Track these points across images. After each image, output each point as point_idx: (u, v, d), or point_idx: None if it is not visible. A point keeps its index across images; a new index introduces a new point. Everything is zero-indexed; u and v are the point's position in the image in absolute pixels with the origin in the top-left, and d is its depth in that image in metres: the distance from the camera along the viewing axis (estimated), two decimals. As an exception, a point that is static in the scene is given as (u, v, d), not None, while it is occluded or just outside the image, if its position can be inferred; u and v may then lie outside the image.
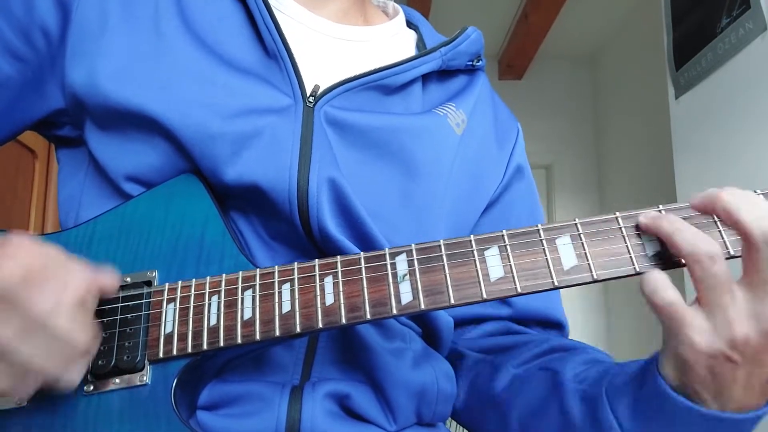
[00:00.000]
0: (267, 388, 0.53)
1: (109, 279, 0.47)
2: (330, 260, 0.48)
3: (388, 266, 0.47)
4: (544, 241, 0.47)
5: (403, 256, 0.47)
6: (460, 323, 0.70)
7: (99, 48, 0.57)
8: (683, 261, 0.44)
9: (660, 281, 0.43)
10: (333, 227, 0.54)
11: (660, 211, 0.47)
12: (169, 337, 0.48)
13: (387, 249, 0.48)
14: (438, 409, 0.61)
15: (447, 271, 0.46)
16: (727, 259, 0.45)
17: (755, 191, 0.46)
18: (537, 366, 0.61)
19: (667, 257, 0.45)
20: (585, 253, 0.46)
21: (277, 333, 0.46)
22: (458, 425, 0.71)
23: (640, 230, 0.47)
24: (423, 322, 0.63)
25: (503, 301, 0.68)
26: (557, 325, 0.70)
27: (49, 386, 0.44)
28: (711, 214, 0.44)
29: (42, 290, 0.42)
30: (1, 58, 0.58)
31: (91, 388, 0.48)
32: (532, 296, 0.62)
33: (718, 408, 0.44)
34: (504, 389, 0.62)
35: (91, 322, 0.45)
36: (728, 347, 0.41)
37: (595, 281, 0.46)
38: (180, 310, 0.49)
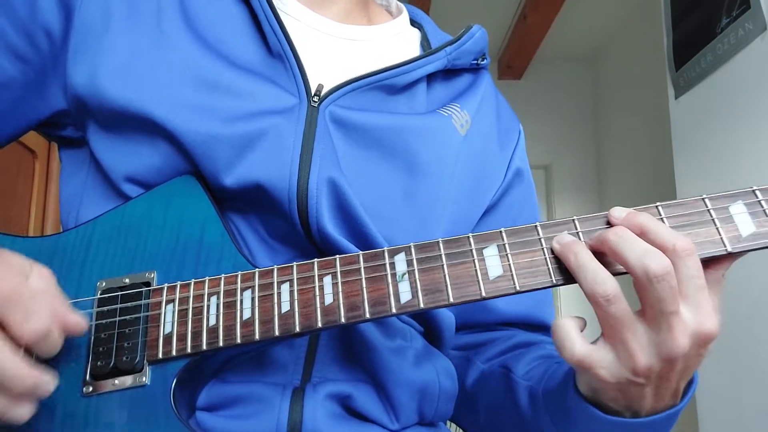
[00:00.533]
0: (267, 389, 0.53)
1: (74, 319, 0.45)
2: (329, 260, 0.48)
3: (387, 265, 0.47)
4: (542, 239, 0.47)
5: (402, 255, 0.47)
6: None
7: (101, 48, 0.57)
8: None
9: (566, 335, 0.44)
10: (332, 227, 0.54)
11: (658, 207, 0.47)
12: (168, 338, 0.48)
13: (386, 248, 0.48)
14: (440, 407, 0.61)
15: (446, 269, 0.46)
16: (725, 256, 0.45)
17: (752, 188, 0.47)
18: (498, 363, 0.64)
19: None
20: None
21: (277, 333, 0.46)
22: (458, 427, 0.71)
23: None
24: (424, 320, 0.63)
25: (486, 309, 0.70)
26: (543, 327, 0.71)
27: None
28: (602, 253, 0.45)
29: (1, 321, 0.41)
30: (3, 58, 0.58)
31: (90, 389, 0.48)
32: (516, 301, 0.65)
33: (631, 415, 0.47)
34: (472, 384, 0.65)
35: (36, 365, 0.43)
36: (632, 376, 0.43)
37: None
38: (179, 310, 0.49)
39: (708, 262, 0.45)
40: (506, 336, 0.68)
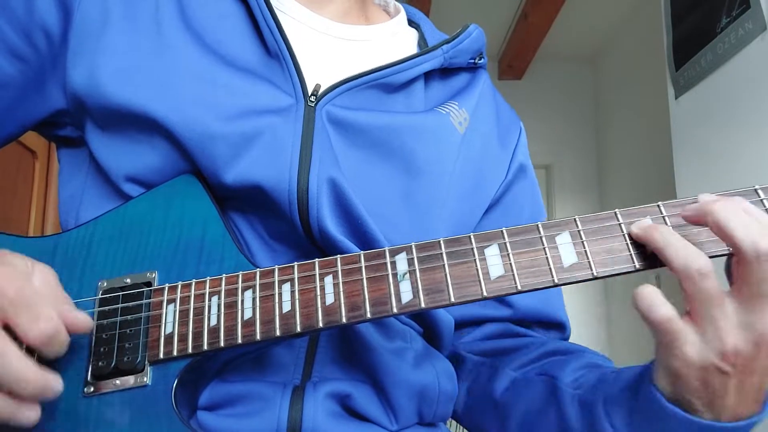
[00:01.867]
0: (268, 388, 0.53)
1: (81, 320, 0.45)
2: (330, 259, 0.48)
3: (388, 265, 0.47)
4: (543, 239, 0.47)
5: (403, 255, 0.47)
6: (460, 325, 0.70)
7: (100, 47, 0.57)
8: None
9: (654, 297, 0.43)
10: (333, 227, 0.54)
11: (659, 206, 0.47)
12: (169, 338, 0.48)
13: (387, 248, 0.48)
14: (439, 408, 0.61)
15: (447, 269, 0.46)
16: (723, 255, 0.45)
17: (754, 187, 0.46)
18: (535, 370, 0.61)
19: None
20: (585, 250, 0.46)
21: (278, 333, 0.46)
22: (458, 426, 0.71)
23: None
24: (424, 321, 0.62)
25: (502, 301, 0.68)
26: (558, 325, 0.70)
27: (4, 423, 0.43)
28: (703, 225, 0.44)
29: (7, 323, 0.42)
30: (2, 58, 0.58)
31: (92, 389, 0.48)
32: (531, 296, 0.63)
33: (712, 417, 0.44)
34: (503, 393, 0.62)
35: (43, 368, 0.43)
36: (719, 359, 0.42)
37: (595, 278, 0.46)
38: (180, 310, 0.49)
39: None
40: (537, 342, 0.66)
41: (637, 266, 0.46)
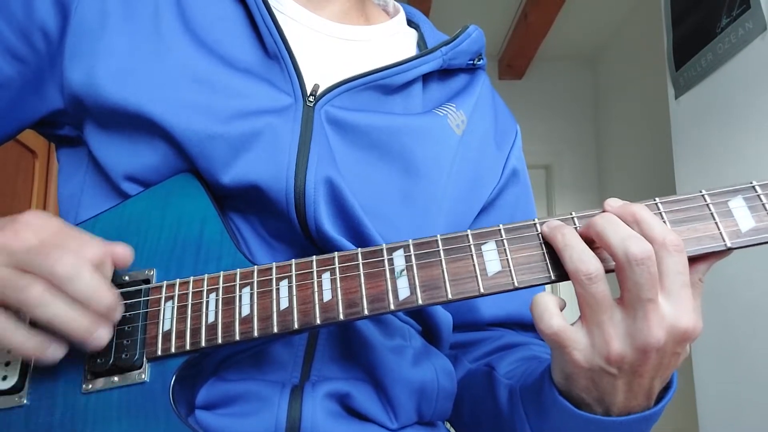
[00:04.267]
0: (266, 387, 0.53)
1: (122, 250, 0.48)
2: (327, 257, 0.48)
3: (386, 262, 0.47)
4: (540, 236, 0.47)
5: (401, 252, 0.47)
6: None
7: (98, 48, 0.57)
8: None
9: (549, 308, 0.44)
10: (330, 226, 0.54)
11: (656, 203, 0.47)
12: (167, 335, 0.48)
13: (384, 245, 0.48)
14: (438, 406, 0.61)
15: (444, 265, 0.46)
16: (723, 251, 0.45)
17: (752, 183, 0.46)
18: (484, 362, 0.64)
19: None
20: None
21: (275, 330, 0.46)
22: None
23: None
24: (422, 318, 0.63)
25: (476, 309, 0.70)
26: (533, 327, 0.71)
27: (80, 347, 0.45)
28: (591, 240, 0.45)
29: (61, 252, 0.43)
30: (0, 58, 0.58)
31: (90, 386, 0.48)
32: (507, 300, 0.66)
33: (603, 411, 0.47)
34: (458, 382, 0.65)
35: (111, 286, 0.45)
36: (605, 363, 0.43)
37: None
38: (178, 307, 0.49)
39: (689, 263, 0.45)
40: (495, 336, 0.68)
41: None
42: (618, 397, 0.46)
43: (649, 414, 0.47)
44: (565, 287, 0.50)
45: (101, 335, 0.44)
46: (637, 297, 0.42)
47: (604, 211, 0.46)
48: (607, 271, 0.44)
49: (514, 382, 0.57)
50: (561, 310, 0.45)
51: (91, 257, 0.44)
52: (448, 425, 0.69)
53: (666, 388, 0.48)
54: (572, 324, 0.45)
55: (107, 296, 0.44)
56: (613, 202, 0.46)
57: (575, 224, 0.47)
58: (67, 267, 0.42)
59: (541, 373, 0.51)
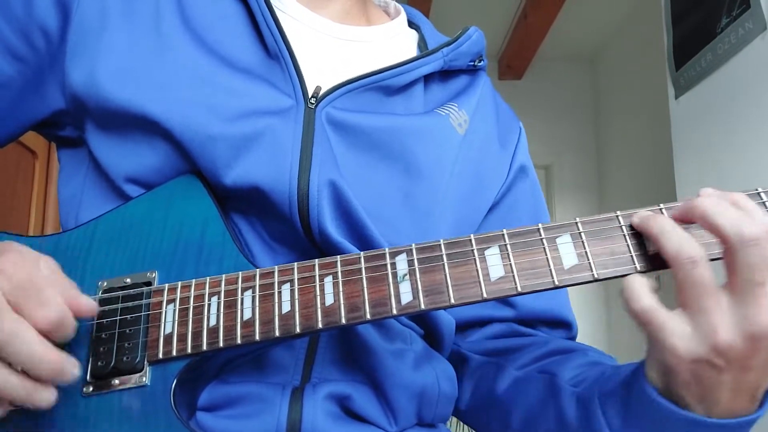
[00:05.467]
0: (267, 390, 0.53)
1: (85, 306, 0.46)
2: (330, 260, 0.48)
3: (388, 266, 0.47)
4: (544, 240, 0.46)
5: (403, 256, 0.47)
6: (464, 326, 0.70)
7: (99, 48, 0.57)
8: None
9: (637, 288, 0.43)
10: (333, 229, 0.54)
11: (661, 209, 0.47)
12: (168, 338, 0.48)
13: (387, 249, 0.48)
14: (438, 410, 0.61)
15: (447, 270, 0.46)
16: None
17: (757, 189, 0.46)
18: (537, 369, 0.61)
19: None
20: (585, 252, 0.46)
21: (277, 333, 0.46)
22: (458, 425, 0.71)
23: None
24: (424, 322, 0.62)
25: (507, 302, 0.68)
26: (564, 324, 0.70)
27: (21, 404, 0.43)
28: (691, 222, 0.44)
29: (8, 314, 0.42)
30: (1, 58, 0.58)
31: (91, 389, 0.48)
32: (536, 296, 0.63)
33: (704, 412, 0.43)
34: (505, 391, 0.62)
35: (58, 350, 0.43)
36: (712, 353, 0.41)
37: (596, 280, 0.46)
38: (180, 310, 0.49)
39: None
40: (540, 341, 0.66)
41: (638, 268, 0.45)
42: (722, 395, 0.42)
43: (754, 417, 0.43)
44: (572, 290, 0.50)
45: (42, 399, 0.43)
46: (749, 280, 0.40)
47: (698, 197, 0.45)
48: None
49: (584, 390, 0.53)
50: (654, 292, 0.43)
51: (42, 321, 0.42)
52: (448, 424, 0.69)
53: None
54: (672, 311, 0.43)
55: (51, 361, 0.42)
56: (710, 191, 0.45)
57: (579, 228, 0.47)
58: (4, 334, 0.41)
59: (629, 377, 0.48)
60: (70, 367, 0.44)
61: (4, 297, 0.42)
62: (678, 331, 0.41)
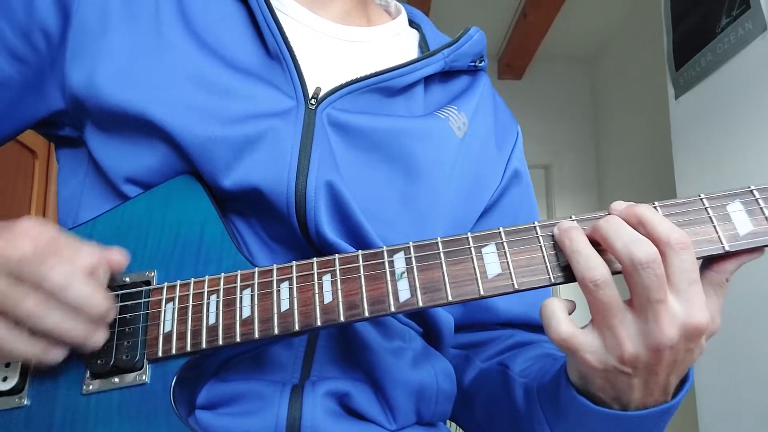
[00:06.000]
0: (267, 387, 0.53)
1: (117, 255, 0.49)
2: (328, 259, 0.48)
3: (386, 264, 0.47)
4: (540, 238, 0.47)
5: (401, 254, 0.47)
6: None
7: (99, 49, 0.57)
8: None
9: (552, 315, 0.44)
10: (329, 230, 0.54)
11: (655, 207, 0.47)
12: (168, 336, 0.48)
13: (385, 247, 0.48)
14: (438, 408, 0.61)
15: (444, 268, 0.46)
16: (720, 255, 0.45)
17: (749, 187, 0.47)
18: (497, 361, 0.64)
19: None
20: None
21: (276, 331, 0.46)
22: (457, 426, 0.72)
23: None
24: (423, 321, 0.63)
25: (487, 309, 0.70)
26: (542, 328, 0.71)
27: (78, 349, 0.46)
28: (598, 243, 0.45)
29: (55, 261, 0.44)
30: (1, 58, 0.58)
31: (90, 387, 0.48)
32: (515, 300, 0.65)
33: (620, 408, 0.47)
34: (470, 382, 0.66)
35: (106, 291, 0.47)
36: (619, 363, 0.44)
37: None
38: (179, 309, 0.49)
39: (710, 264, 0.45)
40: (505, 335, 0.68)
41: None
42: (635, 395, 0.46)
43: (666, 407, 0.47)
44: (569, 288, 0.50)
45: (97, 339, 0.46)
46: (647, 299, 0.42)
47: (608, 214, 0.46)
48: (615, 273, 0.44)
49: (530, 381, 0.57)
50: (570, 313, 0.45)
51: (84, 265, 0.45)
52: (449, 424, 0.69)
53: (683, 381, 0.48)
54: (583, 327, 0.45)
55: (100, 303, 0.45)
56: (617, 205, 0.46)
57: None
58: (60, 276, 0.43)
59: (556, 373, 0.52)
60: (113, 308, 0.47)
61: (49, 244, 0.45)
62: (590, 347, 0.44)
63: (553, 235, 0.47)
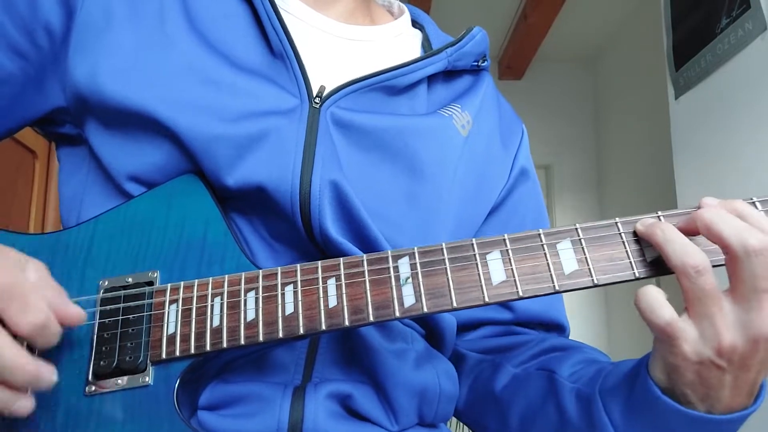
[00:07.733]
0: (269, 389, 0.53)
1: (74, 312, 0.45)
2: (333, 262, 0.48)
3: (391, 269, 0.47)
4: (545, 246, 0.47)
5: (406, 259, 0.47)
6: (463, 327, 0.71)
7: (102, 46, 0.56)
8: None
9: (656, 299, 0.44)
10: (334, 230, 0.54)
11: (659, 217, 0.47)
12: (171, 338, 0.48)
13: (389, 252, 0.48)
14: (440, 409, 0.61)
15: (449, 274, 0.46)
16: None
17: (752, 199, 0.47)
18: (535, 365, 0.62)
19: (665, 263, 0.46)
20: (585, 257, 0.47)
21: (281, 334, 0.46)
22: (458, 424, 0.71)
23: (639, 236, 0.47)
24: (426, 323, 0.63)
25: (504, 305, 0.69)
26: (558, 327, 0.71)
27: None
28: (695, 233, 0.45)
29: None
30: (3, 54, 0.58)
31: (93, 388, 0.48)
32: (533, 301, 0.63)
33: (705, 409, 0.45)
34: (503, 388, 0.63)
35: (33, 357, 0.43)
36: (715, 355, 0.43)
37: (596, 285, 0.46)
38: (182, 310, 0.49)
39: None
40: (537, 339, 0.67)
41: (637, 274, 0.46)
42: (724, 393, 0.45)
43: (750, 411, 0.46)
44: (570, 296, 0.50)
45: (20, 406, 0.43)
46: (753, 288, 0.42)
47: (699, 208, 0.46)
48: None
49: (584, 386, 0.55)
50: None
51: (26, 327, 0.42)
52: (448, 424, 0.69)
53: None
54: (680, 318, 0.44)
55: (25, 370, 0.42)
56: (710, 200, 0.46)
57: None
58: None
59: (631, 374, 0.50)
60: (47, 375, 0.43)
61: None
62: (687, 336, 0.43)
63: (634, 231, 0.46)
